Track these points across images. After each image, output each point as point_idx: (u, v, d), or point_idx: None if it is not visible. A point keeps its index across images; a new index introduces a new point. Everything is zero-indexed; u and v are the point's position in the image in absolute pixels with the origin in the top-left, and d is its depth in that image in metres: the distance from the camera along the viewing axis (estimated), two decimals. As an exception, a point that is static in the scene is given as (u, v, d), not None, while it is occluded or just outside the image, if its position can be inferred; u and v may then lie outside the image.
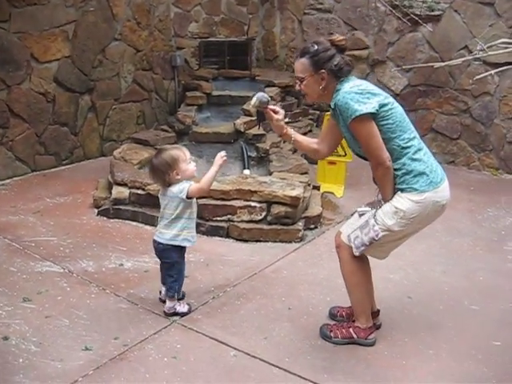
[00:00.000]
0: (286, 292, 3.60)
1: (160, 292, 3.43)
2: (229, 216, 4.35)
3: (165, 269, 3.29)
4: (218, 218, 4.36)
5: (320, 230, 4.64)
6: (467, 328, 3.25)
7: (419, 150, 2.79)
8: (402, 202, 2.76)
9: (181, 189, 3.09)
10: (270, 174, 4.92)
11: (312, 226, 4.60)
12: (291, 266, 3.97)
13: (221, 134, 5.70)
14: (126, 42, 6.26)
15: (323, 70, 2.76)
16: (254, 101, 3.00)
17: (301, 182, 4.64)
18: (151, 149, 5.40)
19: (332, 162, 5.51)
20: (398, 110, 2.77)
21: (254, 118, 5.82)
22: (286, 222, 4.36)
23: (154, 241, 3.25)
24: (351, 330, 3.05)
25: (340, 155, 5.44)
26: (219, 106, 6.42)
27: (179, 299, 3.36)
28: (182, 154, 3.11)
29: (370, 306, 3.08)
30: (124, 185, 4.61)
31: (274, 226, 4.35)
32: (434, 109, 6.44)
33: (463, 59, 5.10)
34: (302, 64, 2.82)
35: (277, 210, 4.33)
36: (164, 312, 3.29)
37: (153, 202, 4.47)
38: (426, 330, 3.21)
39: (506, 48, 5.00)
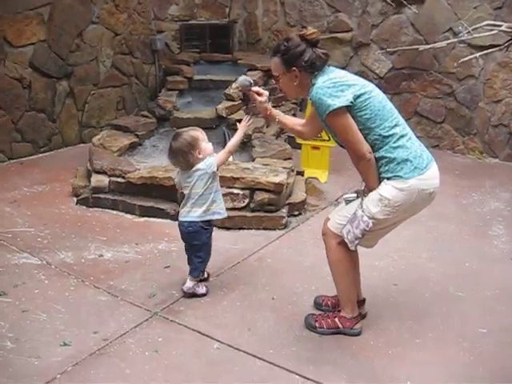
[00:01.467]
0: (270, 281, 3.53)
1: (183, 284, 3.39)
2: (211, 204, 4.26)
3: (194, 251, 3.30)
4: (201, 206, 4.26)
5: (304, 216, 4.57)
6: (453, 315, 3.21)
7: (402, 136, 2.70)
8: (387, 189, 2.70)
9: (208, 164, 3.14)
10: (253, 160, 4.83)
11: (296, 213, 4.53)
12: (275, 254, 3.90)
13: (202, 120, 5.57)
14: (104, 25, 6.09)
15: (294, 68, 2.71)
16: (235, 84, 2.97)
17: (284, 167, 4.56)
18: (131, 135, 5.28)
19: (316, 147, 5.43)
20: (376, 98, 2.69)
21: (236, 103, 5.72)
22: (270, 209, 4.29)
23: (182, 224, 3.24)
24: (337, 319, 2.99)
25: (324, 140, 5.35)
26: (201, 91, 6.28)
27: (201, 280, 3.37)
28: (200, 133, 3.18)
29: (355, 295, 3.02)
30: (103, 173, 4.49)
31: (257, 213, 4.27)
32: (418, 92, 6.37)
33: (448, 42, 5.04)
34: (274, 63, 2.80)
35: (260, 196, 4.25)
36: (182, 291, 3.28)
37: (133, 190, 4.39)
38: (413, 319, 3.17)
39: (491, 30, 4.96)
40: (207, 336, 2.94)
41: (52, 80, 5.68)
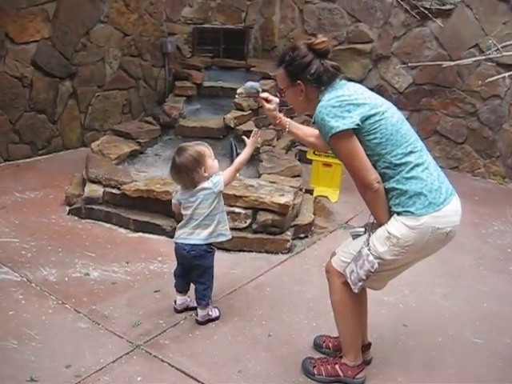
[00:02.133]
0: (267, 314, 3.22)
1: (175, 301, 3.15)
2: (210, 222, 3.96)
3: (196, 276, 3.03)
4: (199, 224, 3.97)
5: (311, 239, 4.26)
6: (469, 367, 2.88)
7: (417, 165, 2.37)
8: (396, 226, 2.36)
9: (215, 182, 2.92)
10: (259, 176, 4.52)
11: (302, 235, 4.22)
12: (276, 283, 3.59)
13: (209, 129, 5.29)
14: (112, 24, 5.82)
15: (299, 81, 2.43)
16: (240, 91, 2.75)
17: (292, 186, 4.25)
18: (133, 142, 5.01)
19: (327, 164, 5.12)
20: (389, 120, 2.37)
21: (245, 113, 5.43)
22: (274, 230, 3.98)
23: (182, 247, 2.97)
24: (337, 366, 2.67)
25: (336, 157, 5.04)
26: (210, 98, 6.00)
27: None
28: (206, 149, 2.94)
29: (360, 340, 2.70)
30: (98, 182, 4.21)
31: (259, 235, 3.97)
32: (439, 110, 6.03)
33: (474, 59, 4.71)
34: (279, 75, 2.54)
35: (263, 217, 3.94)
36: (197, 321, 3.06)
37: (128, 202, 4.11)
38: (423, 368, 2.84)
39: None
40: (191, 377, 2.64)
41: (55, 80, 5.42)
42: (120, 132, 5.10)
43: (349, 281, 2.47)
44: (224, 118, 5.26)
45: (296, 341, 2.98)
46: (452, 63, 4.61)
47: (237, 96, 2.77)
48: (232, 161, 5.23)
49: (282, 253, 3.97)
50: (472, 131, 5.89)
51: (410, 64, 5.70)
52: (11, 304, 3.09)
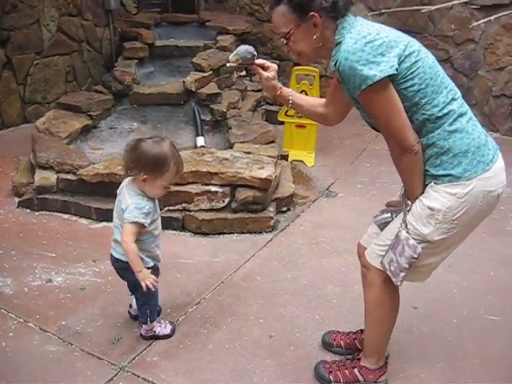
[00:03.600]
0: (263, 309, 2.84)
1: (130, 305, 2.70)
2: (184, 204, 3.52)
3: (129, 289, 2.56)
4: (171, 208, 3.52)
5: (294, 212, 3.89)
6: (492, 352, 2.60)
7: (460, 115, 1.95)
8: (439, 198, 1.96)
9: (129, 207, 2.31)
10: (231, 145, 4.07)
11: (284, 209, 3.84)
12: (265, 269, 3.21)
13: (168, 95, 4.75)
14: (45, -20, 5.12)
15: (312, 13, 1.92)
16: (233, 58, 2.19)
17: (270, 156, 3.83)
18: (83, 116, 4.43)
19: (301, 126, 4.72)
20: (426, 61, 1.91)
21: (206, 74, 4.90)
22: (255, 208, 3.58)
23: (111, 255, 2.48)
24: (356, 371, 2.34)
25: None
26: (164, 59, 5.43)
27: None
28: (173, 173, 2.34)
29: (388, 344, 2.36)
30: (49, 168, 3.67)
31: (239, 215, 3.56)
32: (410, 58, 5.66)
33: (455, 2, 4.31)
34: (281, 15, 1.98)
35: (243, 194, 3.52)
36: (141, 335, 2.58)
37: (87, 189, 3.61)
38: (444, 359, 2.54)
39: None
40: (191, 402, 2.27)
41: (-16, 48, 4.74)
42: (67, 105, 4.50)
43: (388, 273, 2.07)
44: (183, 82, 4.72)
45: (301, 340, 2.62)
46: (432, 7, 4.21)
47: (228, 65, 2.23)
48: (196, 128, 4.76)
49: (265, 231, 3.59)
50: (446, 79, 5.56)
51: (384, 11, 5.27)
52: (-39, 329, 2.60)
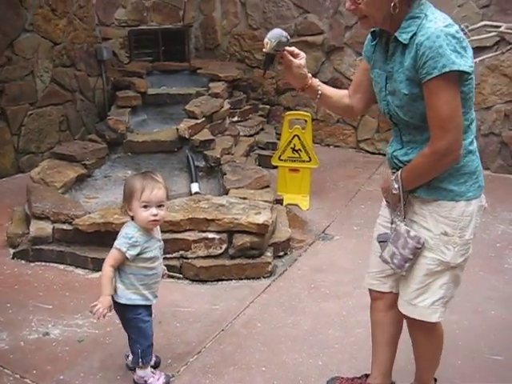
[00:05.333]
0: (265, 357, 2.80)
1: (126, 356, 2.66)
2: (181, 252, 3.50)
3: (123, 326, 2.56)
4: (168, 256, 3.48)
5: (291, 256, 3.87)
6: (500, 394, 2.58)
7: (475, 138, 2.00)
8: (447, 222, 1.96)
9: (119, 235, 2.43)
10: (226, 191, 4.08)
11: (281, 254, 3.83)
12: (265, 315, 3.17)
13: (162, 142, 4.79)
14: (39, 33, 5.19)
15: None
16: (271, 42, 2.00)
17: (266, 201, 3.84)
18: (78, 165, 4.44)
19: (295, 170, 4.75)
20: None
21: (199, 121, 4.96)
22: (253, 254, 3.56)
23: None
24: None
25: (304, 161, 4.68)
26: (157, 107, 5.49)
27: (153, 367, 2.58)
28: (141, 190, 2.33)
29: None
30: (45, 218, 3.65)
31: (237, 261, 3.54)
32: (399, 100, 5.77)
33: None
34: None
35: (240, 240, 3.51)
36: (133, 380, 2.53)
37: (83, 238, 3.59)
38: (452, 403, 2.51)
39: (490, 32, 4.39)
40: None
41: (-21, 100, 4.78)
42: (62, 155, 4.52)
43: (392, 266, 2.06)
44: (177, 129, 4.77)
45: (305, 388, 2.58)
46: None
47: (264, 50, 2.00)
48: (190, 175, 4.79)
49: (264, 277, 3.56)
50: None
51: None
52: (-44, 387, 2.54)
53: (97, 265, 3.52)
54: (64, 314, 3.11)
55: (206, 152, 4.75)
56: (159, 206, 2.36)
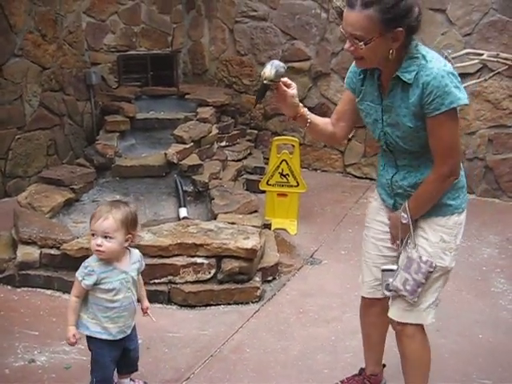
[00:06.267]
0: (254, 383, 2.79)
1: None
2: (170, 277, 3.49)
3: None
4: (157, 281, 3.48)
5: (279, 281, 3.87)
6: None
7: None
8: (444, 230, 2.17)
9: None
10: (215, 216, 4.09)
11: (270, 278, 3.82)
12: (254, 340, 3.16)
13: (150, 167, 4.80)
14: (28, 58, 5.20)
15: (400, 28, 1.92)
16: (269, 73, 2.03)
17: (254, 226, 3.85)
18: (66, 190, 4.43)
19: (282, 194, 4.77)
20: None
21: (187, 146, 4.98)
22: (241, 278, 3.56)
23: None
24: None
25: (292, 185, 4.72)
26: (145, 131, 5.51)
27: None
28: (92, 218, 2.37)
29: None
30: (32, 243, 3.62)
31: (226, 286, 3.53)
32: (384, 125, 5.85)
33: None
34: (367, 20, 1.90)
35: (229, 265, 3.51)
36: None
37: (70, 263, 3.53)
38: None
39: (473, 60, 4.51)
40: None
41: (-34, 125, 4.77)
42: (49, 179, 4.50)
43: (402, 293, 2.17)
44: (165, 154, 4.79)
45: (295, 415, 2.57)
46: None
47: (265, 82, 2.05)
48: (178, 199, 4.80)
49: (252, 302, 3.55)
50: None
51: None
52: None
53: (84, 290, 3.49)
54: (50, 340, 3.07)
55: (194, 177, 4.77)
56: (105, 236, 2.30)
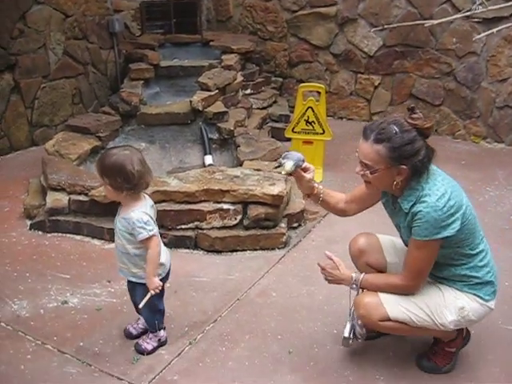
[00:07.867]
0: (280, 325, 2.84)
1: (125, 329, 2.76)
2: (196, 223, 3.53)
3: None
4: (184, 226, 3.53)
5: (305, 228, 3.89)
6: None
7: (487, 252, 2.37)
8: (469, 301, 2.34)
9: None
10: (240, 163, 4.09)
11: (295, 225, 3.84)
12: (280, 285, 3.21)
13: (175, 115, 4.78)
14: (51, 5, 5.16)
15: (404, 166, 2.16)
16: (289, 167, 2.35)
17: (280, 172, 3.83)
18: (92, 137, 4.45)
19: (308, 142, 4.73)
20: (469, 209, 2.26)
21: (212, 93, 4.93)
22: (267, 224, 3.58)
23: None
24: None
25: (317, 133, 4.66)
26: (169, 79, 5.46)
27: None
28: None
29: None
30: (61, 189, 3.68)
31: (252, 232, 3.56)
32: (413, 72, 5.71)
33: (459, 15, 4.36)
34: (375, 152, 2.16)
35: (255, 211, 3.53)
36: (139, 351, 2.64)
37: (99, 209, 3.62)
38: (466, 370, 2.54)
39: (508, 1, 4.32)
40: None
41: (-8, 73, 4.78)
42: (76, 127, 4.53)
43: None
44: (190, 101, 4.75)
45: (321, 355, 2.62)
46: (434, 22, 4.25)
47: (283, 173, 2.41)
48: (204, 147, 4.80)
49: (278, 248, 3.59)
50: (449, 92, 5.60)
51: (386, 26, 5.32)
52: (-20, 352, 2.60)
53: (113, 235, 3.54)
54: (82, 283, 3.16)
55: (219, 124, 4.74)
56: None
